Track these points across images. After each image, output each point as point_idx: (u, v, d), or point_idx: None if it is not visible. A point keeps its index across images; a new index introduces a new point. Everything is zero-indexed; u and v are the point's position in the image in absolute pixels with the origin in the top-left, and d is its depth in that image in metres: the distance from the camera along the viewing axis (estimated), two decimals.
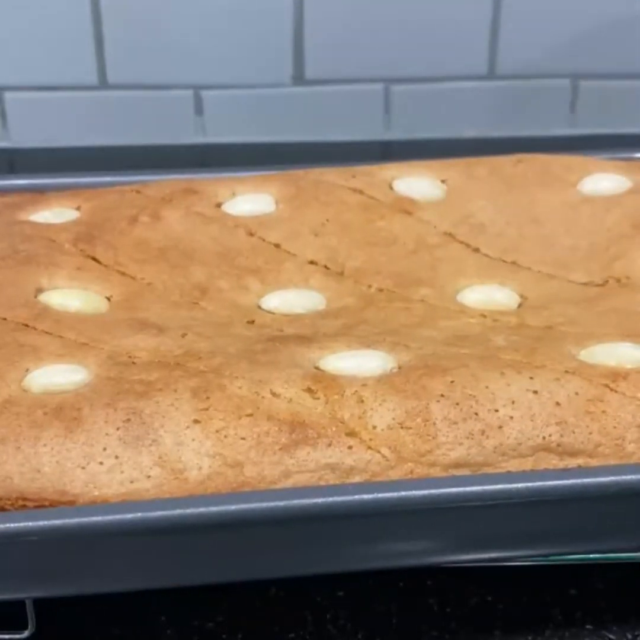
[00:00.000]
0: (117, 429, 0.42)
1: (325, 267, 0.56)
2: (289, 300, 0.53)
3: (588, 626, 0.46)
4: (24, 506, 0.40)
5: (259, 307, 0.53)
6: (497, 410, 0.43)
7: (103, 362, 0.46)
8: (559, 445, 0.42)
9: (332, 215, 0.58)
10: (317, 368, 0.46)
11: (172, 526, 0.39)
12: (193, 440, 0.42)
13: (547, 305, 0.53)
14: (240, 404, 0.43)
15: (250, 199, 0.60)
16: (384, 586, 0.48)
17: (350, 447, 0.42)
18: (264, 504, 0.39)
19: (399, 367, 0.45)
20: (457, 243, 0.58)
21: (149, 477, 0.41)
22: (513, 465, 0.42)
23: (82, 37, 0.82)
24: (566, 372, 0.44)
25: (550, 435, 0.42)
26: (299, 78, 0.84)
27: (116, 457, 0.41)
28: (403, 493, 0.40)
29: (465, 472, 0.42)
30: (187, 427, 0.42)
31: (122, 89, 0.84)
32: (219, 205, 0.60)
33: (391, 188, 0.61)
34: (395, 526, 0.41)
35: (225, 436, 0.42)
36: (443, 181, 0.61)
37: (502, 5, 0.82)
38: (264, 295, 0.54)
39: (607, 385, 0.44)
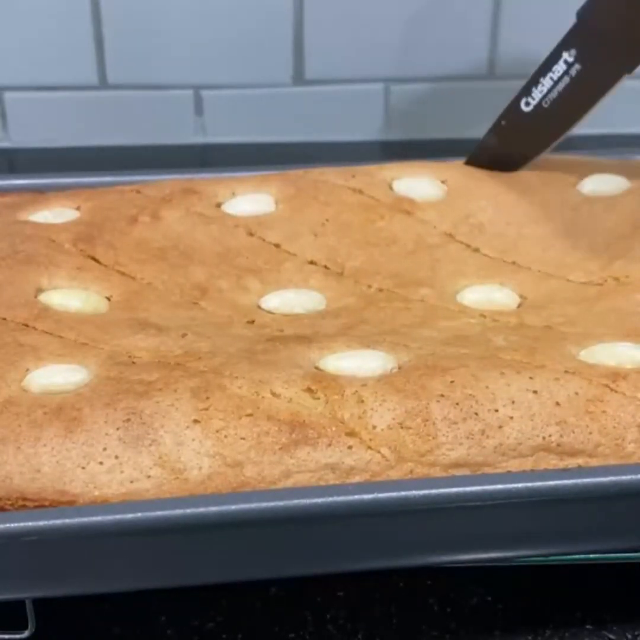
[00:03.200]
0: (117, 429, 0.42)
1: (325, 267, 0.56)
2: (289, 300, 0.53)
3: (588, 626, 0.46)
4: (24, 506, 0.40)
5: (259, 307, 0.53)
6: (497, 410, 0.43)
7: (103, 362, 0.46)
8: (559, 445, 0.42)
9: (332, 215, 0.58)
10: (317, 368, 0.46)
11: (172, 526, 0.39)
12: (193, 440, 0.42)
13: (546, 305, 0.53)
14: (240, 404, 0.43)
15: (250, 199, 0.60)
16: (384, 586, 0.48)
17: (350, 447, 0.42)
18: (264, 504, 0.39)
19: (399, 367, 0.45)
20: (456, 243, 0.58)
21: (149, 477, 0.41)
22: (513, 465, 0.42)
23: (82, 37, 0.81)
24: (566, 372, 0.44)
25: (550, 435, 0.42)
26: (299, 78, 0.84)
27: (116, 457, 0.41)
28: (403, 493, 0.40)
29: (465, 472, 0.42)
30: (187, 427, 0.42)
31: (122, 89, 0.84)
32: (219, 205, 0.60)
33: (391, 188, 0.61)
34: (395, 526, 0.41)
35: (225, 436, 0.42)
36: (443, 181, 0.61)
37: (502, 5, 0.82)
38: (264, 295, 0.54)
39: (607, 385, 0.44)
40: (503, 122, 0.62)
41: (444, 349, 0.47)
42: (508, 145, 0.62)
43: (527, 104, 0.60)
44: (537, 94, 0.60)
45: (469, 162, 0.63)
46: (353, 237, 0.57)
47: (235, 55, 0.83)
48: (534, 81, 0.60)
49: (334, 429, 0.42)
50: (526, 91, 0.61)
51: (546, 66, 0.60)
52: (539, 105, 0.60)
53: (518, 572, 0.48)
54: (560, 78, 0.59)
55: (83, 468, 0.41)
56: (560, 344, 0.47)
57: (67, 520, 0.39)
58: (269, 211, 0.59)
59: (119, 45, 0.82)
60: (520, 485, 0.40)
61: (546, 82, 0.60)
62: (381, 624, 0.46)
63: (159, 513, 0.39)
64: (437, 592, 0.48)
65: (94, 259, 0.55)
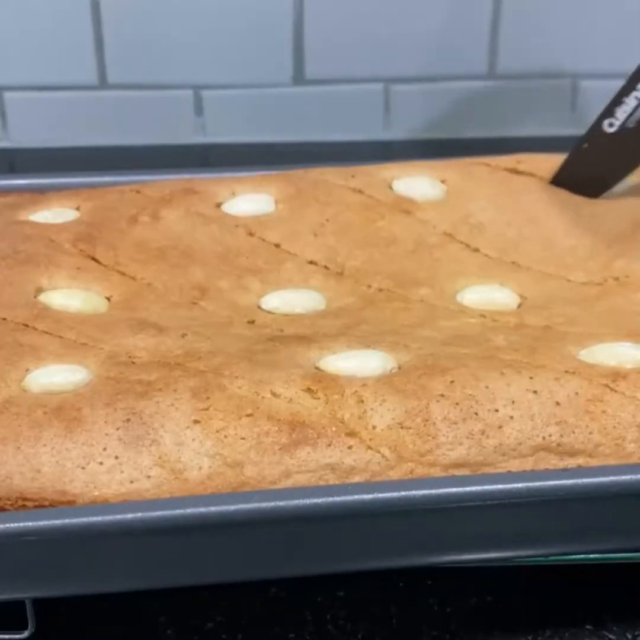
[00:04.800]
0: (117, 429, 0.42)
1: (325, 267, 0.56)
2: (289, 300, 0.53)
3: (588, 626, 0.46)
4: (24, 506, 0.40)
5: (259, 307, 0.53)
6: (497, 410, 0.43)
7: (103, 362, 0.46)
8: (559, 445, 0.42)
9: (332, 215, 0.58)
10: (317, 368, 0.46)
11: (172, 526, 0.39)
12: (193, 440, 0.42)
13: (546, 305, 0.53)
14: (240, 404, 0.43)
15: (250, 199, 0.60)
16: (384, 586, 0.48)
17: (350, 447, 0.42)
18: (264, 504, 0.39)
19: (399, 367, 0.45)
20: (456, 243, 0.58)
21: (149, 477, 0.41)
22: (513, 465, 0.42)
23: (82, 37, 0.82)
24: (566, 372, 0.44)
25: (550, 435, 0.42)
26: (299, 78, 0.84)
27: (116, 457, 0.41)
28: (403, 493, 0.40)
29: (465, 472, 0.42)
30: (187, 427, 0.42)
31: (122, 89, 0.84)
32: (218, 205, 0.60)
33: (391, 188, 0.61)
34: (395, 526, 0.41)
35: (225, 436, 0.42)
36: (443, 181, 0.61)
37: (502, 5, 0.82)
38: (264, 295, 0.54)
39: (607, 385, 0.44)
40: (585, 145, 0.59)
41: (444, 349, 0.47)
42: (590, 169, 0.59)
43: (611, 125, 0.57)
44: (621, 114, 0.57)
45: (553, 183, 0.60)
46: (353, 237, 0.57)
47: (235, 55, 0.83)
48: (618, 101, 0.57)
49: (334, 429, 0.42)
50: (609, 112, 0.58)
51: (630, 84, 0.56)
52: (623, 126, 0.57)
53: (518, 572, 0.48)
54: None
55: (83, 468, 0.41)
56: (560, 343, 0.47)
57: (67, 520, 0.39)
58: (269, 211, 0.59)
59: (119, 45, 0.82)
60: (520, 485, 0.40)
61: (630, 101, 0.56)
62: (381, 624, 0.46)
63: (159, 513, 0.39)
64: (437, 592, 0.47)
65: (94, 259, 0.55)
